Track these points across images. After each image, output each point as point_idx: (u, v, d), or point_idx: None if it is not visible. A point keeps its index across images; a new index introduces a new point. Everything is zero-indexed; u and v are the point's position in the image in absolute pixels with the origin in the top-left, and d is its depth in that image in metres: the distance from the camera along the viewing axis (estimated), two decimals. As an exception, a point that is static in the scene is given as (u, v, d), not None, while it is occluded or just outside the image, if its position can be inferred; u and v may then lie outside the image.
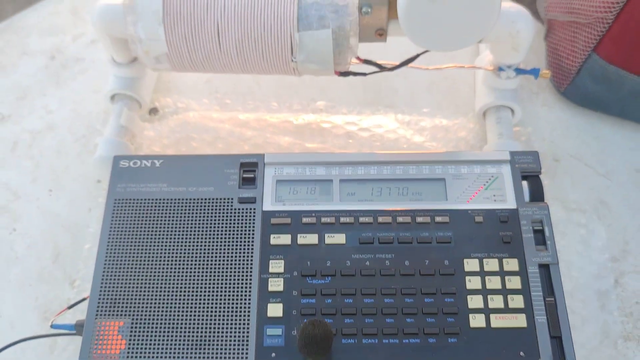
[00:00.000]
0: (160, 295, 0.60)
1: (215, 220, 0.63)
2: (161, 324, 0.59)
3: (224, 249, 0.62)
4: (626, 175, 0.78)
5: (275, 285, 0.60)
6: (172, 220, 0.63)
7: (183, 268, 0.61)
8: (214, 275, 0.60)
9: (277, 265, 0.61)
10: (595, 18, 0.73)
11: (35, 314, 0.71)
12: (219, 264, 0.61)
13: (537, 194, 0.64)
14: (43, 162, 0.81)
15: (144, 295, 0.60)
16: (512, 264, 0.61)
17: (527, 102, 0.83)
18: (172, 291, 0.60)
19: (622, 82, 0.75)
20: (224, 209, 0.64)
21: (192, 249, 0.62)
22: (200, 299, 0.59)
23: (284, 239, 0.62)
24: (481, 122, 0.80)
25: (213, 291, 0.60)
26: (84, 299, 0.64)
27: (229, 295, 0.60)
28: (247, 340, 0.58)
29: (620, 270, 0.72)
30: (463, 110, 0.82)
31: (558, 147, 0.80)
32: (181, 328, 0.58)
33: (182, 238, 0.62)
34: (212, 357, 0.57)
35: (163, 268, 0.61)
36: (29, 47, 0.92)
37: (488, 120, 0.78)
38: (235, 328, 0.58)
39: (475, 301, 0.59)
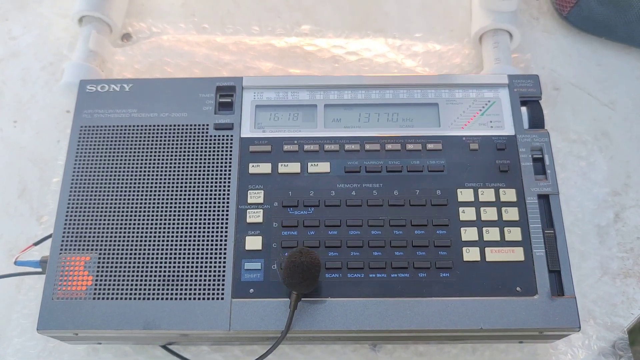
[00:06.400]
0: (130, 229, 0.55)
1: (189, 147, 0.58)
2: (131, 258, 0.54)
3: (199, 179, 0.57)
4: (630, 105, 0.73)
5: (254, 216, 0.56)
6: (143, 148, 0.59)
7: (154, 199, 0.56)
8: (188, 207, 0.56)
9: (256, 196, 0.56)
10: None
11: (0, 252, 0.67)
12: (193, 195, 0.56)
13: (536, 121, 0.60)
14: (6, 91, 0.76)
15: (113, 228, 0.55)
16: (509, 194, 0.56)
17: (527, 28, 0.77)
18: (143, 224, 0.55)
19: (630, 4, 0.70)
20: (198, 136, 0.59)
21: (164, 179, 0.57)
22: (173, 232, 0.55)
23: (264, 168, 0.58)
24: (477, 48, 0.74)
25: (187, 224, 0.55)
26: (51, 235, 0.59)
27: (204, 228, 0.55)
28: (224, 276, 0.53)
29: (621, 204, 0.68)
30: (458, 35, 0.77)
31: (559, 75, 0.75)
32: (152, 263, 0.54)
33: (153, 167, 0.58)
34: (186, 293, 0.53)
35: (133, 199, 0.56)
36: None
37: (484, 45, 0.72)
38: (210, 262, 0.54)
39: (469, 233, 0.55)
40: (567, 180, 0.68)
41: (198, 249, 0.54)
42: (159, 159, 0.58)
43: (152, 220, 0.56)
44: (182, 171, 0.57)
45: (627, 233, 0.67)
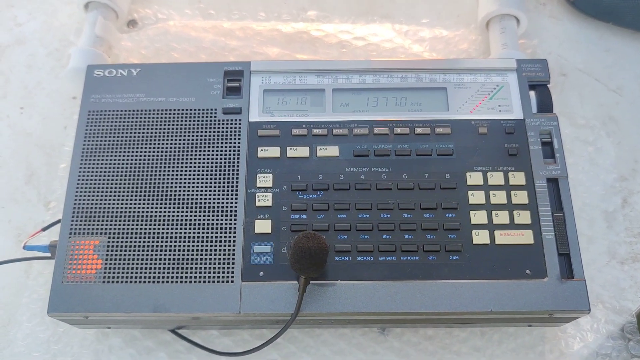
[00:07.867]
0: (139, 212, 0.55)
1: (197, 132, 0.58)
2: (140, 242, 0.54)
3: (208, 163, 0.57)
4: (638, 90, 0.73)
5: (264, 200, 0.56)
6: (151, 133, 0.59)
7: (163, 183, 0.56)
8: (197, 191, 0.56)
9: (265, 180, 0.56)
10: None
11: (8, 237, 0.66)
12: (202, 179, 0.56)
13: (545, 105, 0.60)
14: (13, 78, 0.76)
15: (122, 212, 0.55)
16: (518, 178, 0.56)
17: (534, 13, 0.77)
18: (152, 208, 0.55)
19: (638, -12, 0.70)
20: (206, 120, 0.59)
21: (173, 163, 0.57)
22: (182, 216, 0.55)
23: (273, 152, 0.58)
24: (484, 34, 0.74)
25: (196, 207, 0.55)
26: (59, 221, 0.59)
27: (214, 212, 0.55)
28: (233, 259, 0.54)
29: (628, 189, 0.68)
30: (465, 21, 0.77)
31: (566, 60, 0.75)
32: (162, 246, 0.54)
33: (162, 152, 0.58)
34: (196, 277, 0.53)
35: (141, 183, 0.56)
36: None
37: (491, 31, 0.72)
38: (220, 246, 0.54)
39: (478, 217, 0.55)
40: (575, 166, 0.68)
41: (208, 233, 0.54)
42: (167, 144, 0.58)
43: (161, 204, 0.56)
44: (191, 156, 0.57)
45: (634, 218, 0.66)
